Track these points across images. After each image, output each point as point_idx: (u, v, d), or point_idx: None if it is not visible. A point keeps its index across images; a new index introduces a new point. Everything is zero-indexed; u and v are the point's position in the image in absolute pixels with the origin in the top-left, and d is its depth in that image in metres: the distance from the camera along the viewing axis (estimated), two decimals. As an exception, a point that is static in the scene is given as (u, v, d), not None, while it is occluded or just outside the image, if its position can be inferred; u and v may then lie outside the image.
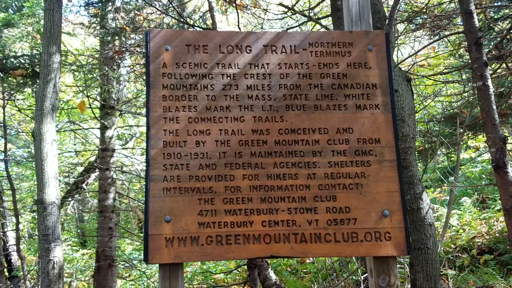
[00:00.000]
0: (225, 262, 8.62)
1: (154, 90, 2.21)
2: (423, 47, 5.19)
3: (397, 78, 3.36)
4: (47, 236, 2.60)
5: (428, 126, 7.63)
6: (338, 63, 2.30)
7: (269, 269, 4.73)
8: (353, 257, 5.62)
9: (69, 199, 8.57)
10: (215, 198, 2.12)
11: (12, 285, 6.73)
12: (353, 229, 2.11)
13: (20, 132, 10.01)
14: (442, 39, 7.51)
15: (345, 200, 2.14)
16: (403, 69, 4.43)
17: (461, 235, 7.31)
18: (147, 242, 2.06)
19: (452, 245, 7.12)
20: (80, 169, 9.64)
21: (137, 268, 8.59)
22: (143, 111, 8.54)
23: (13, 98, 6.78)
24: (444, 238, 7.06)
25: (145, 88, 8.00)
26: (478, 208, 8.47)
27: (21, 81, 4.85)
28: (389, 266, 2.14)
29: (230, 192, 2.13)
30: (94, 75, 6.66)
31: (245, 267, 5.74)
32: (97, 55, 6.92)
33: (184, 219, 2.09)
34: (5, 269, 7.56)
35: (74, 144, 12.86)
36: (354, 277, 5.80)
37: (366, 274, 5.11)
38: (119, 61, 6.44)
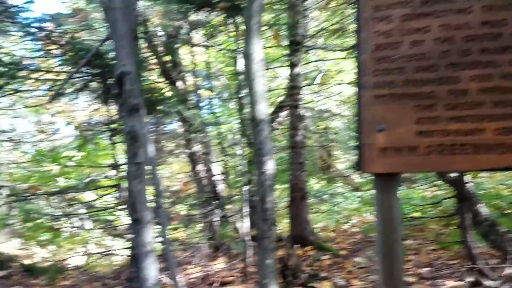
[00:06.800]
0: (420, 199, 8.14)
1: (363, -11, 2.03)
2: None
3: None
4: (260, 150, 2.81)
5: None
6: None
7: (481, 204, 4.23)
8: None
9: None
10: (436, 104, 1.88)
11: (219, 208, 7.74)
12: None
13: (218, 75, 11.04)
14: None
15: None
16: None
17: None
18: (361, 152, 1.99)
19: None
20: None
21: (328, 201, 8.92)
22: (329, 45, 8.42)
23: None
24: None
25: (332, 17, 7.80)
26: None
27: (225, 15, 5.19)
28: None
29: (455, 97, 1.86)
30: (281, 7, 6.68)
31: (451, 201, 5.23)
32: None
33: (399, 127, 1.93)
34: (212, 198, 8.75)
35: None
36: None
37: None
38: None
